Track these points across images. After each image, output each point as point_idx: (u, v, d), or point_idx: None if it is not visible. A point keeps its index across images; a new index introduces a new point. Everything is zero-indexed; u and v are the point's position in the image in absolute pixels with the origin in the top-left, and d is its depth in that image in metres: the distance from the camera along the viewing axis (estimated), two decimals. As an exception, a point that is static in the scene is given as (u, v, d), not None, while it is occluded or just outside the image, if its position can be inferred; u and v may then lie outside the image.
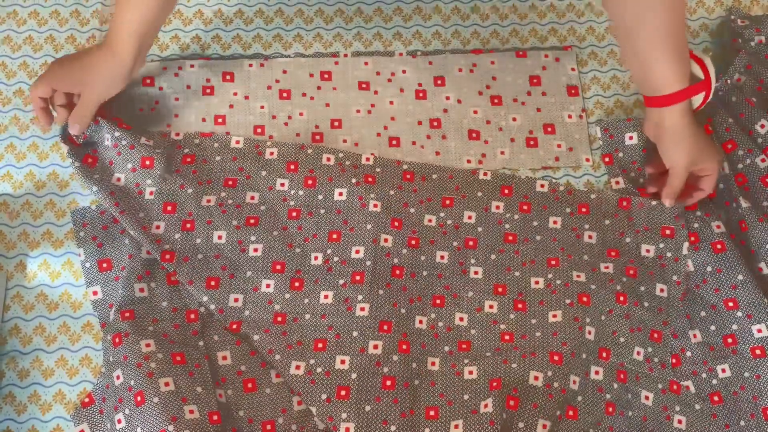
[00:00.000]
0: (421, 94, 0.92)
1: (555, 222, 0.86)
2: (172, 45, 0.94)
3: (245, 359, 0.80)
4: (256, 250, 0.82)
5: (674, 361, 0.81)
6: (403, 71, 0.93)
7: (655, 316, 0.81)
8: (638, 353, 0.80)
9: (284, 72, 0.92)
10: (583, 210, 0.86)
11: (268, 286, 0.81)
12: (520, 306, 0.82)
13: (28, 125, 0.89)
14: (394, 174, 0.87)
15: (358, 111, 0.91)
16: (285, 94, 0.91)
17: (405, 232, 0.84)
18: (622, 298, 0.81)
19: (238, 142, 0.87)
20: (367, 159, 0.87)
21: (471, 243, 0.85)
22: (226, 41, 0.94)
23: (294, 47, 0.95)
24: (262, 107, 0.90)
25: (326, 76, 0.92)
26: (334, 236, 0.83)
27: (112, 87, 0.82)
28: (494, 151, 0.90)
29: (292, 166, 0.86)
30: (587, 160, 0.90)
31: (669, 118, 0.79)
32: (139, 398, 0.73)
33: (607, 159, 0.90)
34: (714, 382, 0.80)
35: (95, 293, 0.82)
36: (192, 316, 0.81)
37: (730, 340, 0.81)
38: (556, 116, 0.92)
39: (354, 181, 0.86)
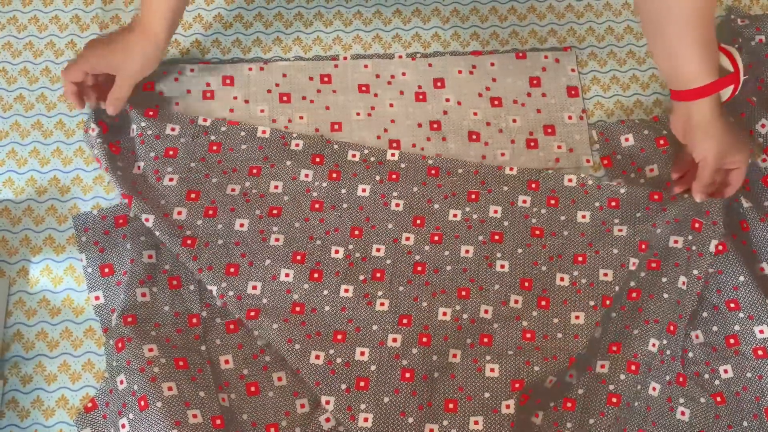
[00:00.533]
0: (420, 97, 0.92)
1: (584, 216, 0.85)
2: (171, 49, 0.94)
3: (247, 363, 0.80)
4: (277, 240, 0.83)
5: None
6: (403, 73, 0.93)
7: (674, 308, 0.81)
8: (653, 345, 0.79)
9: (284, 75, 0.92)
10: (613, 204, 0.85)
11: (287, 275, 0.81)
12: (543, 303, 0.82)
13: (29, 131, 0.90)
14: (418, 169, 0.87)
15: (358, 114, 0.91)
16: (285, 98, 0.91)
17: (428, 229, 0.85)
18: (635, 294, 0.81)
19: (264, 132, 0.88)
20: (393, 155, 0.88)
21: (497, 237, 0.85)
22: (225, 45, 0.94)
23: (293, 50, 0.95)
24: (262, 111, 0.90)
25: (326, 79, 0.92)
26: (356, 232, 0.84)
27: (146, 68, 0.83)
28: (494, 153, 0.90)
29: (318, 159, 0.87)
30: (587, 161, 0.90)
31: (698, 112, 0.77)
32: (142, 403, 0.73)
33: (605, 162, 0.90)
34: (716, 382, 0.80)
35: (97, 298, 0.82)
36: (194, 320, 0.81)
37: (732, 341, 0.81)
38: (556, 117, 0.92)
39: (378, 178, 0.86)
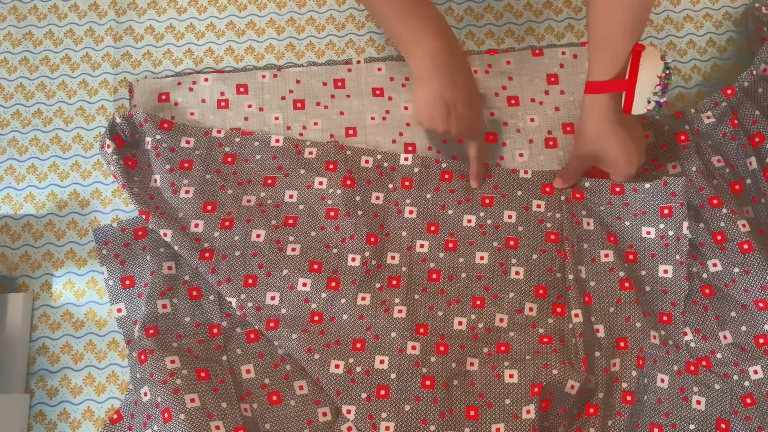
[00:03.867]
0: (436, 98, 0.91)
1: (588, 224, 0.84)
2: (185, 59, 0.94)
3: (269, 372, 0.80)
4: (294, 249, 0.83)
5: (704, 363, 0.79)
6: (418, 75, 0.92)
7: (661, 299, 0.81)
8: (654, 337, 0.79)
9: (297, 82, 0.92)
10: (578, 196, 0.85)
11: (304, 284, 0.81)
12: (559, 310, 0.81)
13: (48, 145, 0.90)
14: (432, 174, 0.87)
15: (372, 118, 0.90)
16: (299, 104, 0.91)
17: (442, 235, 0.84)
18: (627, 284, 0.80)
19: (278, 140, 0.88)
20: (406, 159, 0.87)
21: (512, 243, 0.84)
22: (239, 53, 0.94)
23: (307, 56, 0.94)
24: (277, 118, 0.90)
25: (339, 84, 0.92)
26: (372, 239, 0.83)
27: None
28: (512, 153, 0.89)
29: (331, 166, 0.86)
30: (608, 159, 0.88)
31: (586, 104, 0.78)
32: (166, 415, 0.74)
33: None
34: (746, 384, 0.78)
35: (119, 310, 0.83)
36: (215, 330, 0.82)
37: (761, 341, 0.79)
38: (576, 115, 0.90)
39: (390, 186, 0.86)
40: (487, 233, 0.85)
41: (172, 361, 0.77)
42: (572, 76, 0.92)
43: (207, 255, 0.81)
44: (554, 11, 0.96)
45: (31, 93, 0.93)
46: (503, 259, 0.84)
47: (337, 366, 0.78)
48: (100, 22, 0.95)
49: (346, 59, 0.93)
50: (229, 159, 0.87)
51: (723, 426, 0.76)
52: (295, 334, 0.79)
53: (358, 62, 0.93)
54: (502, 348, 0.80)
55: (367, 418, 0.76)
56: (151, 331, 0.80)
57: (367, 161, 0.87)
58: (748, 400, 0.77)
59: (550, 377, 0.76)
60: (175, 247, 0.81)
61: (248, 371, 0.80)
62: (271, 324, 0.80)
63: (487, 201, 0.86)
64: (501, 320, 0.81)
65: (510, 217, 0.85)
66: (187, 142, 0.87)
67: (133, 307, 0.83)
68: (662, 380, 0.77)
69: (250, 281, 0.81)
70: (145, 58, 0.94)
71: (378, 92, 0.91)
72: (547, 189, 0.86)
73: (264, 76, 0.92)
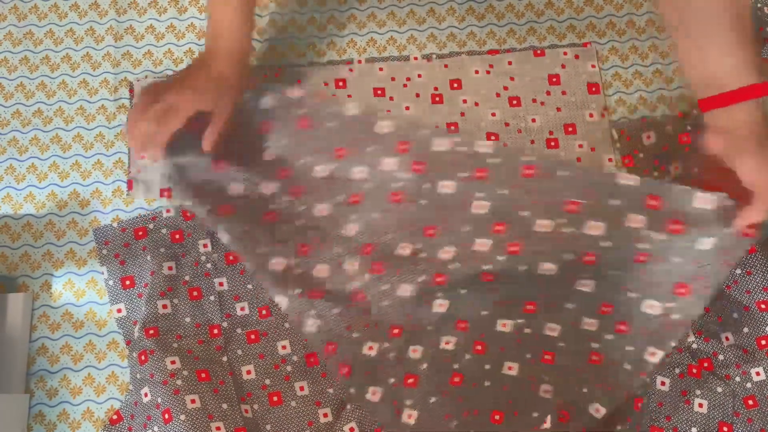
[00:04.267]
0: (437, 99, 0.91)
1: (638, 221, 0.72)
2: (186, 59, 0.93)
3: (269, 373, 0.80)
4: (353, 228, 0.79)
5: (706, 365, 0.79)
6: (419, 75, 0.92)
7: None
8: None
9: (299, 81, 0.91)
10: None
11: (351, 264, 0.79)
12: (622, 327, 0.75)
13: (48, 145, 0.90)
14: (512, 167, 0.73)
15: (374, 118, 0.90)
16: (300, 104, 0.90)
17: (509, 236, 0.75)
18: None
19: (353, 110, 0.77)
20: (486, 146, 0.73)
21: (591, 258, 0.73)
22: (239, 53, 0.94)
23: (308, 55, 0.94)
24: (278, 118, 0.90)
25: (341, 84, 0.91)
26: (430, 231, 0.78)
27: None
28: (514, 154, 0.89)
29: (403, 146, 0.75)
30: (610, 160, 0.88)
31: (738, 119, 0.62)
32: (166, 416, 0.74)
33: (626, 161, 0.88)
34: (748, 385, 0.78)
35: (119, 311, 0.83)
36: (215, 331, 0.81)
37: (764, 342, 0.78)
38: (577, 115, 0.90)
39: (463, 175, 0.74)
40: (564, 242, 0.74)
41: (173, 362, 0.77)
42: (574, 77, 0.92)
43: (270, 216, 0.78)
44: (556, 11, 0.95)
45: (31, 92, 0.92)
46: (575, 274, 0.76)
47: (371, 348, 0.77)
48: (100, 21, 0.95)
49: (347, 59, 0.93)
50: (305, 123, 0.78)
51: (725, 429, 0.76)
52: (337, 308, 0.77)
53: (360, 62, 0.93)
54: (547, 357, 0.76)
55: (392, 402, 0.75)
56: (152, 332, 0.79)
57: (440, 143, 0.75)
58: (750, 402, 0.77)
59: (578, 396, 0.74)
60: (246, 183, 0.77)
61: (249, 372, 0.80)
62: (316, 294, 0.77)
63: (571, 206, 0.73)
64: (552, 329, 0.77)
65: (597, 229, 0.72)
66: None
67: (133, 307, 0.83)
68: (663, 383, 0.77)
69: (304, 249, 0.78)
70: (146, 58, 0.93)
71: (380, 92, 0.91)
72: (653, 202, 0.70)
73: (265, 76, 0.91)
